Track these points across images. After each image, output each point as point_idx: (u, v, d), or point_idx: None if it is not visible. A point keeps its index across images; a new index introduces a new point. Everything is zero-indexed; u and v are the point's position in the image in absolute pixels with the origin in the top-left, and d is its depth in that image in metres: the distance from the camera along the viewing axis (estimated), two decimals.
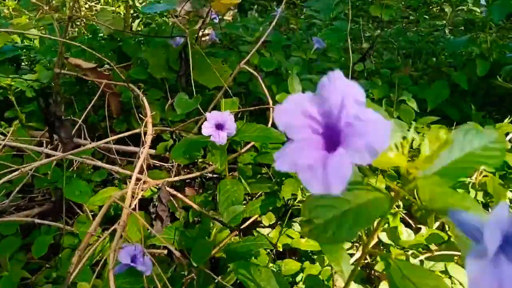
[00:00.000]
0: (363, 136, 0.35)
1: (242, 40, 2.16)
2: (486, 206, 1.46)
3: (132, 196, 0.90)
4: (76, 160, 1.43)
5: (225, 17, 2.65)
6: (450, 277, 1.02)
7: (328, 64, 2.01)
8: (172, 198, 1.23)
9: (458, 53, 2.50)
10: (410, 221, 1.41)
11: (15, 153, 1.53)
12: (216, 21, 2.18)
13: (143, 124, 1.08)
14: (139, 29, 2.85)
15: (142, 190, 0.93)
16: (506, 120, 1.21)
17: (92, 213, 1.31)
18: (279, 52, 2.01)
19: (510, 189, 1.47)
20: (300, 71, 1.87)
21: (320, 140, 0.39)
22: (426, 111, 1.95)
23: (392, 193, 0.48)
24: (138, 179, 0.94)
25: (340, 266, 0.66)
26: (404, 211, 1.51)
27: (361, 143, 0.34)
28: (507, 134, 1.43)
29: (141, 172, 1.02)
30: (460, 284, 1.00)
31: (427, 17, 3.75)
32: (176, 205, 1.30)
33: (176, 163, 1.58)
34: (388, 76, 2.20)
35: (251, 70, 1.53)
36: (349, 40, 1.80)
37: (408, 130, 0.49)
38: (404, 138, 0.48)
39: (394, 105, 1.85)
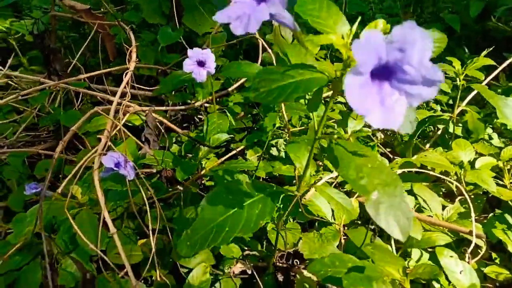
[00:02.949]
0: None
1: None
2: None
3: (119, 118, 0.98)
4: (77, 99, 1.52)
5: None
6: (415, 196, 1.11)
7: None
8: (165, 133, 1.33)
9: None
10: (390, 156, 1.50)
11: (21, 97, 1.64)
12: None
13: (128, 54, 1.15)
14: None
15: (127, 112, 1.01)
16: (483, 53, 1.24)
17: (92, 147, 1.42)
18: None
19: (490, 125, 1.53)
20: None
21: None
22: None
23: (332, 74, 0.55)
24: (120, 103, 1.02)
25: (301, 162, 0.78)
26: (389, 149, 1.59)
27: None
28: (489, 71, 1.46)
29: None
30: (424, 201, 1.09)
31: None
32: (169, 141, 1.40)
33: (171, 103, 1.66)
34: None
35: None
36: None
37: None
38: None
39: None
